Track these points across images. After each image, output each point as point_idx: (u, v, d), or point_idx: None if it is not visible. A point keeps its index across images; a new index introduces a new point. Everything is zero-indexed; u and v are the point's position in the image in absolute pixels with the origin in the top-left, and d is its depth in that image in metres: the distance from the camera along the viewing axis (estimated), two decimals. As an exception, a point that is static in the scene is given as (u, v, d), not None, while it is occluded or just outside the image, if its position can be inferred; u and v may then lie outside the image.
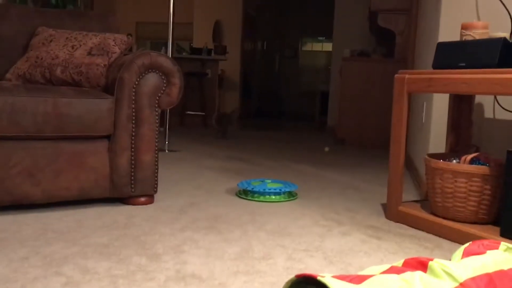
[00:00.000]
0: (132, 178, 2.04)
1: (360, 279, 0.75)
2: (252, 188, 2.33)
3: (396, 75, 2.02)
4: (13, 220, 1.80)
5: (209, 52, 6.67)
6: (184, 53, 7.01)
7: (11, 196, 1.83)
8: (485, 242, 0.96)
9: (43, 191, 1.88)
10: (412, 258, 0.85)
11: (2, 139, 1.81)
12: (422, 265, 0.82)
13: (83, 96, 1.93)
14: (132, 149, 2.02)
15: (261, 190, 2.31)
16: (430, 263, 0.81)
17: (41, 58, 2.17)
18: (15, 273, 1.31)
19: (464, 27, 1.93)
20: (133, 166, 2.03)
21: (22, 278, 1.28)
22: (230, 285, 1.30)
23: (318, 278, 0.73)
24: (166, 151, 3.84)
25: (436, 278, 0.79)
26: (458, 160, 1.92)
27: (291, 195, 2.40)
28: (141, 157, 2.04)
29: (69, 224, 1.78)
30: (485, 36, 1.88)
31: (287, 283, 0.83)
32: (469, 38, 1.89)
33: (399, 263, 0.87)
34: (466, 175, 1.79)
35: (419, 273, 0.79)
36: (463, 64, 1.81)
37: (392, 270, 0.82)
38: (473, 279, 0.79)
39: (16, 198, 1.84)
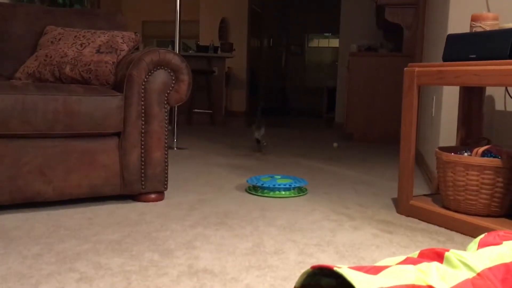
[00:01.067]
0: (143, 175, 2.04)
1: (377, 270, 0.74)
2: (262, 184, 2.32)
3: (405, 68, 2.01)
4: (26, 217, 1.81)
5: (215, 49, 6.67)
6: (190, 51, 7.01)
7: (23, 194, 1.84)
8: (501, 233, 0.95)
9: (55, 188, 1.89)
10: (428, 249, 0.85)
11: (14, 137, 1.82)
12: (438, 256, 0.82)
13: (92, 93, 1.94)
14: (142, 146, 2.03)
15: (271, 185, 2.31)
16: (446, 253, 0.81)
17: (50, 57, 2.18)
18: (30, 269, 1.32)
19: (474, 19, 1.91)
20: (143, 163, 2.04)
21: (37, 274, 1.29)
22: (243, 279, 1.30)
23: (335, 269, 0.73)
24: (175, 148, 3.85)
25: (453, 268, 0.78)
26: (469, 153, 1.91)
27: (301, 191, 2.40)
28: (151, 154, 2.05)
29: (81, 221, 1.79)
30: (495, 28, 1.86)
31: (302, 274, 0.82)
32: (479, 29, 1.87)
33: (414, 254, 0.86)
34: (478, 168, 1.78)
35: (435, 263, 0.78)
36: (474, 56, 1.79)
37: (408, 261, 0.82)
38: (490, 269, 0.78)
39: (28, 196, 1.86)
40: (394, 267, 0.77)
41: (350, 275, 0.70)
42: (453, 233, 1.80)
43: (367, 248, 1.60)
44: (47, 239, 1.58)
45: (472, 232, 1.74)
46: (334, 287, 0.85)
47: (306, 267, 1.42)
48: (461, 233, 1.79)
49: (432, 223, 1.91)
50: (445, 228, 1.85)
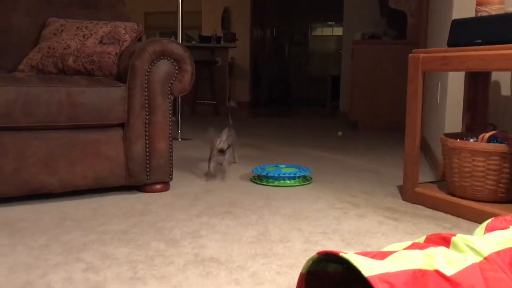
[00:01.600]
0: (147, 165, 2.04)
1: (383, 255, 0.74)
2: (267, 173, 2.32)
3: (410, 55, 1.99)
4: (32, 209, 1.82)
5: (218, 40, 6.64)
6: (193, 42, 6.99)
7: (28, 186, 1.85)
8: (508, 217, 0.94)
9: (60, 180, 1.90)
10: (434, 234, 0.84)
11: (17, 129, 1.82)
12: (444, 240, 0.81)
13: (96, 85, 1.93)
14: (146, 137, 2.03)
15: (276, 175, 2.31)
16: (453, 238, 0.80)
17: (53, 48, 2.18)
18: (37, 260, 1.33)
19: (479, 3, 1.88)
20: (147, 154, 2.04)
21: (44, 265, 1.30)
22: (249, 267, 1.30)
23: (341, 254, 0.73)
24: (179, 139, 3.85)
25: (460, 253, 0.78)
26: (475, 139, 1.89)
27: (306, 180, 2.39)
28: (155, 145, 2.05)
29: (86, 212, 1.80)
30: (501, 12, 1.84)
31: (308, 261, 0.82)
32: (485, 14, 1.85)
33: (421, 239, 0.86)
34: (484, 154, 1.77)
35: (442, 248, 0.78)
36: (479, 41, 1.77)
37: (414, 246, 0.81)
38: (497, 253, 0.78)
39: (34, 188, 1.86)
40: (401, 252, 0.76)
41: (356, 260, 0.70)
42: (460, 219, 1.79)
43: (373, 235, 1.59)
44: (53, 230, 1.59)
45: (478, 218, 1.74)
46: (340, 273, 0.85)
47: (312, 255, 1.42)
48: (468, 219, 1.78)
49: (438, 210, 1.90)
50: (451, 214, 1.84)
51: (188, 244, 1.47)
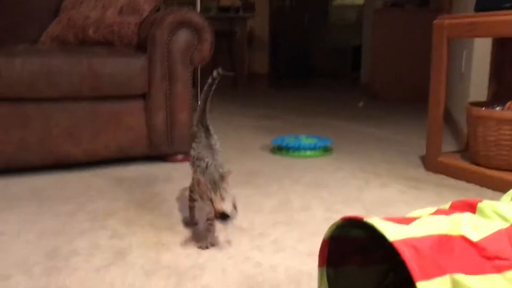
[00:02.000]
0: (169, 136, 2.06)
1: (408, 220, 0.74)
2: (287, 144, 2.32)
3: (435, 21, 1.93)
4: (57, 178, 1.86)
5: (236, 10, 6.55)
6: (211, 13, 6.91)
7: (53, 156, 1.89)
8: (536, 184, 0.92)
9: (84, 150, 1.93)
10: (459, 201, 0.83)
11: (42, 100, 1.85)
12: (470, 206, 0.80)
13: (116, 55, 1.94)
14: (168, 108, 2.03)
15: (296, 145, 2.30)
16: (479, 204, 0.79)
17: (73, 20, 2.18)
18: (64, 227, 1.36)
19: (510, -35, 1.80)
20: (169, 125, 2.05)
21: (71, 231, 1.33)
22: (270, 234, 1.31)
23: (365, 219, 0.72)
24: (199, 111, 3.86)
25: (486, 219, 0.77)
26: (502, 107, 1.85)
27: (326, 150, 2.38)
28: (176, 116, 2.05)
29: (110, 181, 1.83)
30: (532, -26, 1.76)
31: (331, 226, 0.82)
32: (515, -24, 1.78)
33: (445, 206, 0.85)
34: (511, 123, 1.72)
35: (468, 214, 0.77)
36: (508, 5, 1.71)
37: (439, 212, 0.81)
38: (525, 219, 0.76)
39: (58, 158, 1.90)
40: (426, 218, 0.76)
41: (380, 225, 0.70)
42: (483, 189, 1.77)
43: (395, 204, 1.59)
44: (78, 198, 1.62)
45: (503, 187, 1.71)
46: (363, 238, 0.85)
47: (333, 222, 1.42)
48: (492, 189, 1.75)
49: (461, 180, 1.87)
50: (475, 184, 1.82)
51: (211, 212, 1.49)
